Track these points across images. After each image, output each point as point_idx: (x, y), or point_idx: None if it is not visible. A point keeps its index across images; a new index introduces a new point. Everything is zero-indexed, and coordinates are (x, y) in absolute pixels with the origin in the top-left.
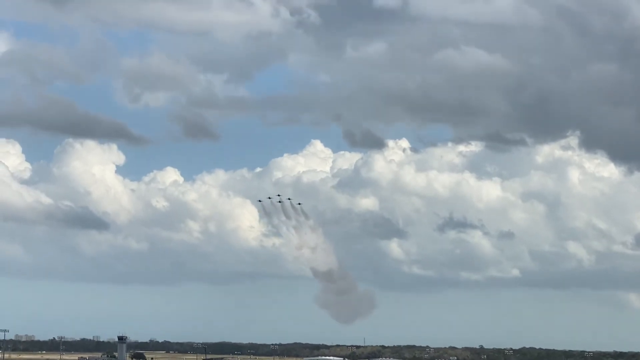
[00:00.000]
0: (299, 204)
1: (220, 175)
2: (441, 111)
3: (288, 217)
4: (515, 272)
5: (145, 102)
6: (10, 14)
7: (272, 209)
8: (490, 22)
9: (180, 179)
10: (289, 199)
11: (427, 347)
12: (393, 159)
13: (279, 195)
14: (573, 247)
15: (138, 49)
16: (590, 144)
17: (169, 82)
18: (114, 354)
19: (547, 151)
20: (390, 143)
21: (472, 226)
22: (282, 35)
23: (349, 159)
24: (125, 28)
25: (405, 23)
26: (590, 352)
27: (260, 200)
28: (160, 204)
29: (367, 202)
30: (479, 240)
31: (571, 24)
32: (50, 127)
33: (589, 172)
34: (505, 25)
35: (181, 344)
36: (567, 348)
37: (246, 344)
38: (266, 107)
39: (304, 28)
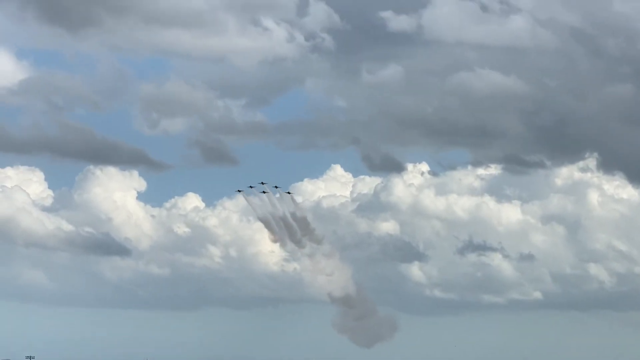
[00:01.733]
0: (289, 192)
1: (241, 200)
2: (459, 134)
3: (301, 245)
4: (537, 294)
5: (163, 128)
6: (28, 42)
7: (282, 233)
8: (506, 45)
9: (202, 205)
10: (275, 186)
11: None
12: (412, 183)
13: (262, 184)
14: (594, 269)
15: (155, 75)
16: (608, 165)
17: (187, 108)
18: None
19: (566, 173)
20: (410, 167)
21: (492, 249)
22: (298, 61)
23: (368, 184)
24: (142, 55)
25: (421, 46)
26: None
27: (240, 191)
28: (182, 229)
29: (387, 226)
30: (500, 263)
31: (585, 46)
32: (71, 155)
33: (608, 194)
34: (520, 47)
35: None
36: None
37: None
38: (284, 132)
39: (319, 52)
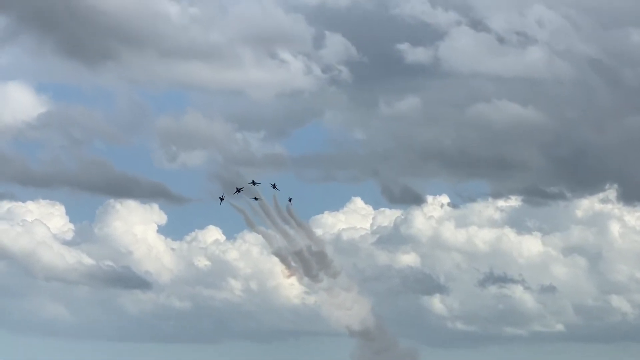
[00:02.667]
0: (290, 199)
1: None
2: (478, 166)
3: (317, 280)
4: (559, 326)
5: (182, 161)
6: (47, 76)
7: (298, 267)
8: (523, 76)
9: (222, 238)
10: (273, 185)
11: None
12: (432, 215)
13: (254, 184)
14: (616, 300)
15: (173, 108)
16: (628, 197)
17: (206, 141)
18: None
19: (587, 205)
20: (430, 199)
21: (513, 281)
22: (315, 93)
23: (388, 216)
24: (159, 88)
25: (438, 78)
26: None
27: (222, 198)
28: (202, 262)
29: (407, 258)
30: (521, 295)
31: (603, 76)
32: (91, 188)
33: (629, 225)
34: (537, 79)
35: None
36: None
37: None
38: (304, 164)
39: (337, 85)
